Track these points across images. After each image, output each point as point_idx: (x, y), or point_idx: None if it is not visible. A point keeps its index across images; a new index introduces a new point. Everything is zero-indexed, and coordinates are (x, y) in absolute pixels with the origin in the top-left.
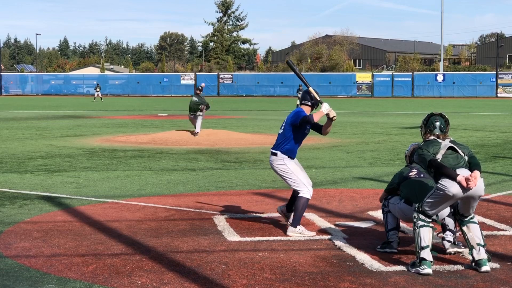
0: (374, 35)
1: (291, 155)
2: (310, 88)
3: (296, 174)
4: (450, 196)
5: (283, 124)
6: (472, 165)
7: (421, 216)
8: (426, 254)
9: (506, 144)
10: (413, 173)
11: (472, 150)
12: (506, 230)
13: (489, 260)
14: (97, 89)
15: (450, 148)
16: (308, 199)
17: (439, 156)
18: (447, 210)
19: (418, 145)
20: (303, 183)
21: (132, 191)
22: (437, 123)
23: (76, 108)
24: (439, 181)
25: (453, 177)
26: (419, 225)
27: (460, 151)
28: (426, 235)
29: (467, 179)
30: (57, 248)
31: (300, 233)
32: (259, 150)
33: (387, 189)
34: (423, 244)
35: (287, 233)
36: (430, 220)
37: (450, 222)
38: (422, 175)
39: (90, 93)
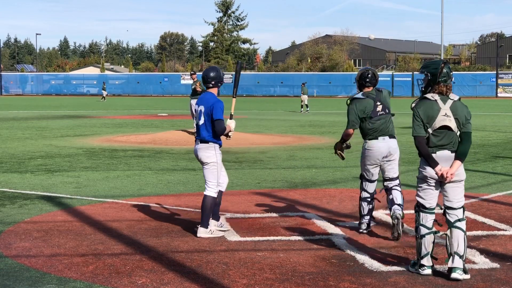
0: (374, 35)
1: (220, 142)
2: (234, 100)
3: (219, 170)
4: (429, 177)
5: (202, 115)
6: (459, 151)
7: (422, 219)
8: (426, 261)
9: (506, 144)
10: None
11: (472, 150)
12: (506, 230)
13: (465, 272)
14: (104, 89)
15: (444, 127)
16: (214, 197)
17: (430, 130)
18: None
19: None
20: (217, 180)
21: (132, 191)
22: (445, 71)
23: (76, 108)
24: (420, 166)
25: (433, 166)
26: (421, 233)
27: (455, 129)
28: (428, 244)
29: (445, 178)
30: (57, 248)
31: (212, 233)
32: (259, 150)
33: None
34: (424, 252)
35: (198, 235)
36: (432, 226)
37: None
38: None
39: (90, 93)
